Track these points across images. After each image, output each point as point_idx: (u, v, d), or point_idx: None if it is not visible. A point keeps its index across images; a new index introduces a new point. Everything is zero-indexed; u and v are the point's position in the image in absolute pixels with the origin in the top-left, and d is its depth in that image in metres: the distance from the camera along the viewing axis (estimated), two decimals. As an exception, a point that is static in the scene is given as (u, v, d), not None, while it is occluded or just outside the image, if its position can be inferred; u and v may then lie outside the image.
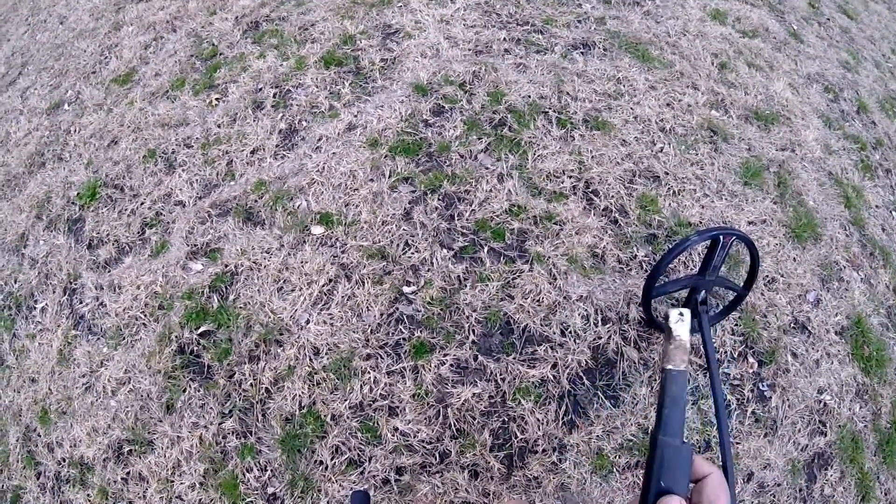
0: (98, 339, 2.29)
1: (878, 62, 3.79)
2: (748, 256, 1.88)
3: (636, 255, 2.22)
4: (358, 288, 2.12)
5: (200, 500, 1.94)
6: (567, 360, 1.99)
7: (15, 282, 2.60)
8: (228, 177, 2.51)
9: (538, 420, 1.91)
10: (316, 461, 1.92)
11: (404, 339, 2.04)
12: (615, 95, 2.67)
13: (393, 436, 1.91)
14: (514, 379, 1.96)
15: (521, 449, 1.90)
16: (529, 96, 2.60)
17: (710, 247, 1.78)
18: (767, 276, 2.30)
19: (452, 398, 1.94)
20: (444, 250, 2.18)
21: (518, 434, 1.91)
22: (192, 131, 2.70)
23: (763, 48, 3.23)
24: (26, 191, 2.89)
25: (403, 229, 2.23)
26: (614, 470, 1.89)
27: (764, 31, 3.35)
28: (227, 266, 2.24)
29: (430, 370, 1.97)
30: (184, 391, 2.07)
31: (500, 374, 1.97)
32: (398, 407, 1.95)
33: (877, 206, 2.83)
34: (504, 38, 2.87)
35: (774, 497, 1.98)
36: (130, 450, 2.07)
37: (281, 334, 2.08)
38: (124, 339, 2.23)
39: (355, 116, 2.56)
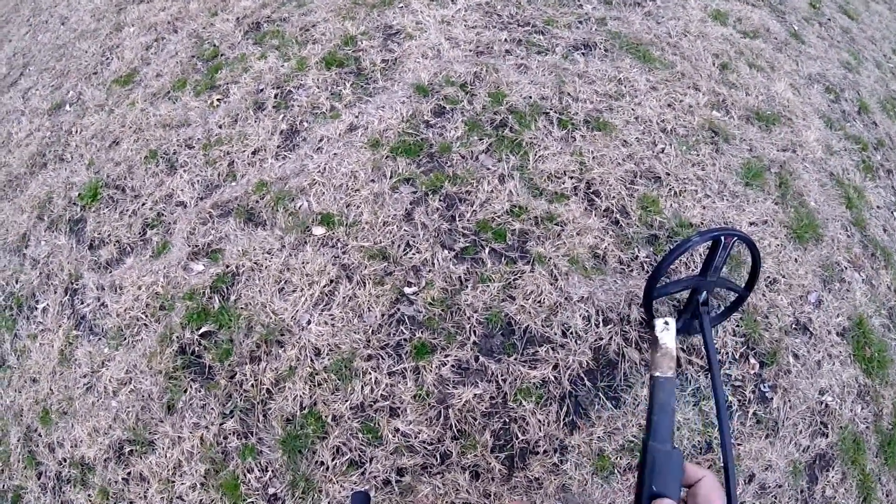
0: (99, 339, 2.29)
1: (879, 62, 3.79)
2: (749, 257, 1.87)
3: (637, 256, 2.21)
4: (359, 289, 2.12)
5: (201, 500, 1.95)
6: (568, 361, 1.99)
7: (16, 282, 2.61)
8: (230, 177, 2.52)
9: (539, 421, 1.91)
10: (317, 462, 1.92)
11: (405, 339, 2.04)
12: (616, 96, 2.67)
13: (394, 437, 1.91)
14: (516, 380, 1.96)
15: (522, 450, 1.90)
16: (530, 97, 2.60)
17: (712, 248, 1.78)
18: (769, 276, 2.30)
19: (453, 399, 1.94)
20: (446, 251, 2.18)
21: (519, 435, 1.91)
22: (193, 132, 2.71)
23: (764, 49, 3.22)
24: (28, 191, 2.89)
25: (404, 230, 2.23)
26: (615, 471, 1.89)
27: (765, 32, 3.35)
28: (228, 267, 2.24)
29: (431, 371, 1.97)
30: (185, 392, 2.07)
31: (502, 375, 1.97)
32: (399, 408, 1.95)
33: (878, 207, 2.83)
34: (505, 39, 2.87)
35: (776, 498, 1.98)
36: (131, 450, 2.07)
37: (282, 335, 2.08)
38: (125, 339, 2.24)
39: (356, 117, 2.57)
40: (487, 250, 2.18)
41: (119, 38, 3.47)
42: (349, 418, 1.94)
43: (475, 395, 1.94)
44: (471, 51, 2.81)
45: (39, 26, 4.18)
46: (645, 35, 3.00)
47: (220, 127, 2.67)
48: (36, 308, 2.48)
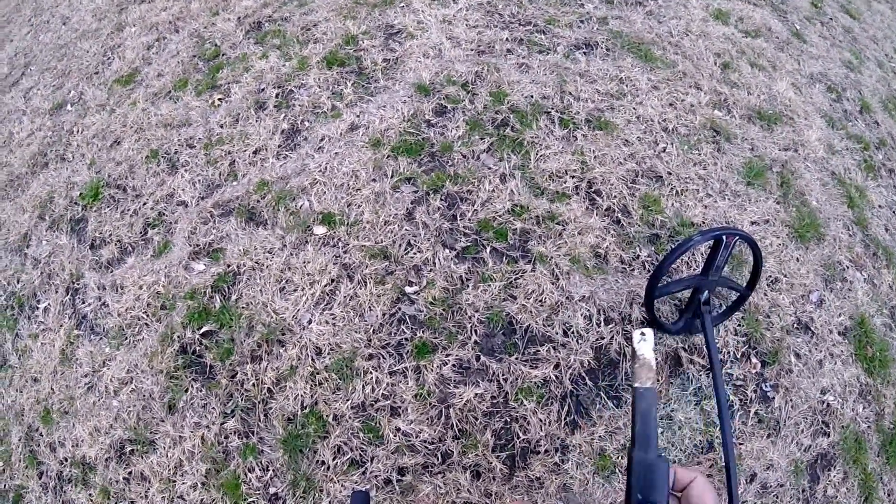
0: (100, 338, 2.29)
1: (881, 62, 3.78)
2: (751, 256, 1.87)
3: (639, 256, 2.21)
4: (360, 288, 2.12)
5: (202, 500, 1.95)
6: (569, 360, 1.99)
7: (18, 282, 2.61)
8: (231, 177, 2.52)
9: (540, 420, 1.91)
10: (318, 461, 1.92)
11: (406, 339, 2.04)
12: (618, 95, 2.67)
13: (395, 436, 1.91)
14: (517, 379, 1.96)
15: (523, 449, 1.90)
16: (532, 96, 2.60)
17: (713, 247, 1.78)
18: (770, 276, 2.29)
19: (454, 398, 1.94)
20: (447, 250, 2.18)
21: (520, 434, 1.90)
22: (194, 131, 2.71)
23: (766, 48, 3.22)
24: (29, 191, 2.89)
25: (406, 229, 2.23)
26: (617, 470, 1.89)
27: (766, 31, 3.34)
28: (229, 266, 2.24)
29: (432, 370, 1.97)
30: (186, 391, 2.07)
31: (503, 375, 1.97)
32: (400, 407, 1.95)
33: (880, 206, 2.83)
34: (506, 39, 2.87)
35: (777, 498, 1.97)
36: (132, 449, 2.07)
37: (283, 334, 2.08)
38: (126, 338, 2.24)
39: (358, 116, 2.56)
40: (489, 250, 2.18)
41: (120, 37, 3.47)
42: (350, 418, 1.94)
43: (476, 394, 1.94)
44: (472, 50, 2.81)
45: (41, 26, 4.18)
46: (646, 34, 3.00)
47: (222, 126, 2.67)
48: (37, 308, 2.49)
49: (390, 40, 2.88)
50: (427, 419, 1.93)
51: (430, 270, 2.14)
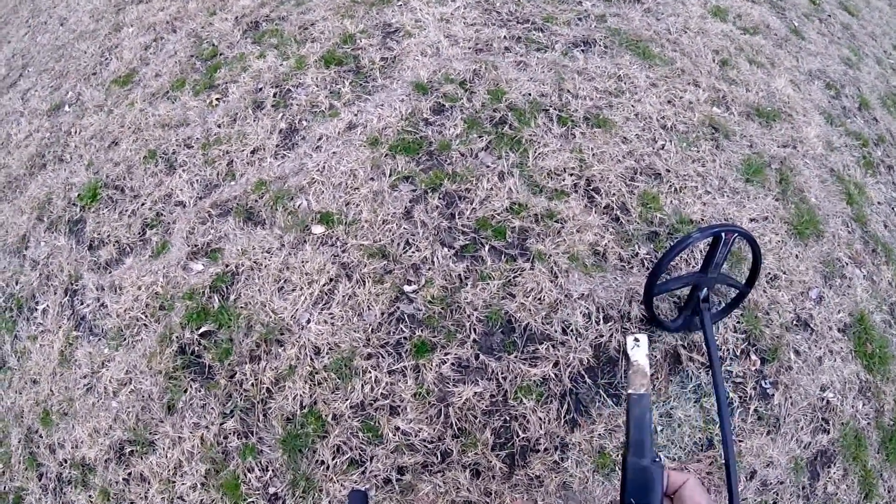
0: (99, 339, 2.29)
1: (879, 59, 3.78)
2: (750, 253, 1.87)
3: (638, 253, 2.21)
4: (359, 287, 2.12)
5: (202, 500, 1.94)
6: (569, 358, 1.99)
7: (16, 283, 2.61)
8: (229, 177, 2.51)
9: (540, 419, 1.91)
10: (317, 461, 1.91)
11: (405, 338, 2.03)
12: (616, 93, 2.66)
13: (394, 435, 1.91)
14: (516, 378, 1.96)
15: (522, 448, 1.90)
16: (530, 94, 2.59)
17: (712, 244, 1.78)
18: (770, 273, 2.29)
19: (454, 397, 1.93)
20: (445, 249, 2.17)
21: (520, 433, 1.90)
22: (192, 132, 2.70)
23: (764, 45, 3.22)
24: (27, 192, 2.89)
25: (404, 228, 2.22)
26: (616, 468, 1.89)
27: (765, 28, 3.34)
28: (227, 266, 2.23)
29: (431, 369, 1.97)
30: (185, 391, 2.07)
31: (502, 373, 1.96)
32: (399, 406, 1.94)
33: (879, 203, 2.82)
34: (504, 37, 2.86)
35: (777, 495, 1.97)
36: (132, 450, 2.07)
37: (282, 334, 2.08)
38: (125, 339, 2.23)
39: (355, 115, 2.56)
40: (487, 248, 2.17)
41: (118, 38, 3.47)
42: (349, 417, 1.94)
43: (475, 393, 1.93)
44: (470, 48, 2.80)
45: (38, 27, 4.18)
46: (644, 32, 2.99)
47: (219, 126, 2.67)
48: (36, 309, 2.48)
49: (388, 39, 2.87)
50: (426, 418, 1.92)
51: (429, 269, 2.14)
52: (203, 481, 1.96)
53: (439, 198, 2.29)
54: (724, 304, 2.10)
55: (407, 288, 2.11)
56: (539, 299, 2.06)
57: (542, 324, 2.03)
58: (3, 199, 2.97)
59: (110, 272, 2.41)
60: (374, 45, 2.85)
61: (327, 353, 2.02)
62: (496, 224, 2.22)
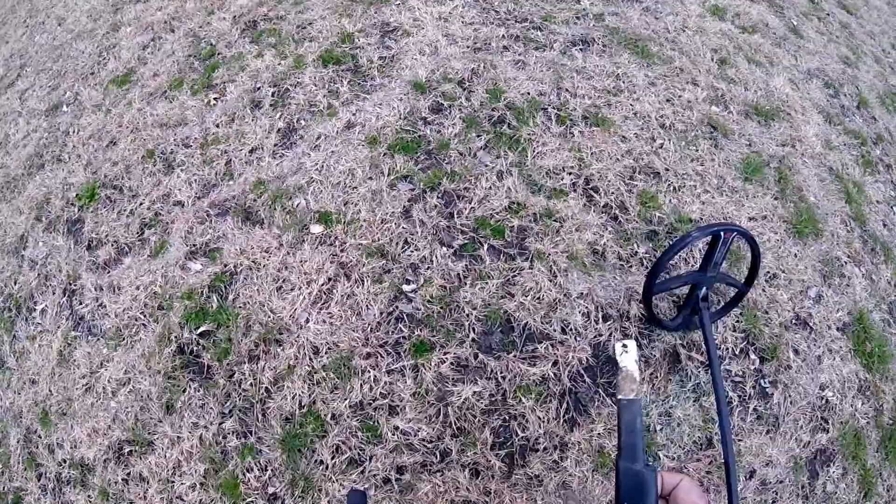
0: (98, 339, 2.29)
1: (878, 57, 3.78)
2: (749, 252, 1.87)
3: (637, 252, 2.21)
4: (357, 286, 2.11)
5: (201, 500, 1.94)
6: (568, 357, 1.98)
7: (15, 283, 2.60)
8: (227, 176, 2.51)
9: (539, 418, 1.91)
10: (316, 461, 1.91)
11: (404, 337, 2.03)
12: (614, 92, 2.66)
13: (393, 435, 1.91)
14: (515, 377, 1.96)
15: (522, 447, 1.90)
16: (528, 93, 2.59)
17: (711, 243, 1.78)
18: (768, 272, 2.29)
19: (453, 396, 1.93)
20: (444, 248, 2.17)
21: (519, 432, 1.90)
22: (190, 131, 2.70)
23: (763, 44, 3.21)
24: (25, 192, 2.88)
25: (403, 227, 2.22)
26: (613, 466, 1.88)
27: (763, 27, 3.34)
28: (226, 266, 2.23)
29: (430, 369, 1.97)
30: (184, 391, 2.07)
31: (501, 373, 1.96)
32: (398, 406, 1.94)
33: (878, 202, 2.82)
34: (503, 35, 2.86)
35: (776, 494, 1.97)
36: (131, 450, 2.07)
37: (280, 334, 2.07)
38: (124, 339, 2.23)
39: (354, 115, 2.56)
40: (486, 247, 2.17)
41: (116, 38, 3.46)
42: (348, 417, 1.94)
43: (474, 392, 1.93)
44: (468, 47, 2.80)
45: (36, 27, 4.17)
46: (643, 30, 2.99)
47: (218, 126, 2.67)
48: (34, 309, 2.48)
49: (386, 38, 2.87)
50: (425, 417, 1.92)
51: (428, 268, 2.13)
52: (202, 481, 1.96)
53: (438, 197, 2.29)
54: (723, 303, 2.10)
55: (406, 287, 2.11)
56: (538, 298, 2.06)
57: (541, 323, 2.03)
58: (2, 200, 2.97)
59: (109, 272, 2.41)
60: (372, 44, 2.84)
61: (326, 353, 2.02)
62: (495, 223, 2.22)
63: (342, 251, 2.19)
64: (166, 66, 3.06)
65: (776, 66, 3.11)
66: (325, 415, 1.95)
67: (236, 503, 1.91)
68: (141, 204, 2.54)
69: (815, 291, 2.33)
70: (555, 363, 1.98)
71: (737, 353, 2.11)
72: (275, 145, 2.55)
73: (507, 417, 1.92)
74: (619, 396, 0.81)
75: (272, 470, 1.94)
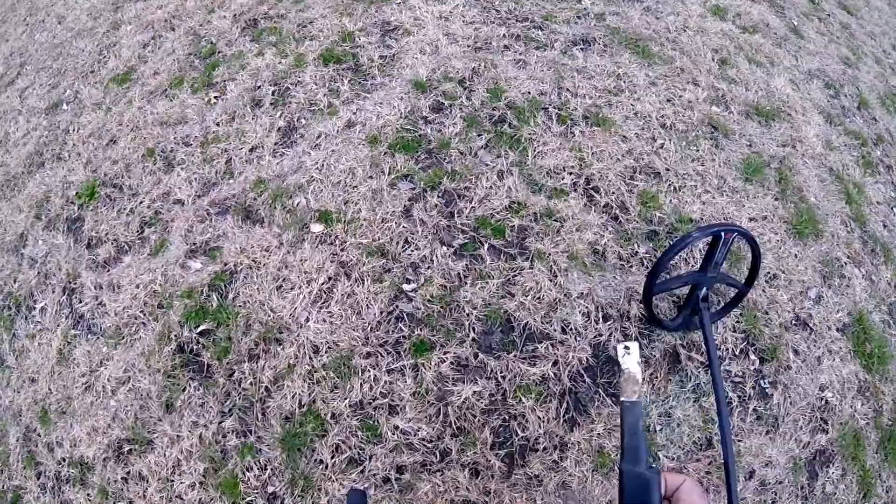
0: (97, 338, 2.28)
1: (878, 58, 3.78)
2: (749, 253, 1.87)
3: (637, 252, 2.21)
4: (357, 286, 2.11)
5: (200, 499, 1.94)
6: (568, 357, 1.98)
7: (14, 282, 2.60)
8: (227, 175, 2.51)
9: (539, 418, 1.91)
10: (316, 460, 1.91)
11: (404, 336, 2.03)
12: (615, 91, 2.66)
13: (393, 434, 1.91)
14: (515, 377, 1.96)
15: (521, 447, 1.90)
16: (529, 93, 2.59)
17: (712, 243, 1.78)
18: (769, 272, 2.29)
19: (453, 396, 1.93)
20: (444, 248, 2.17)
21: (519, 432, 1.90)
22: (190, 130, 2.69)
23: (763, 44, 3.21)
24: (25, 191, 2.88)
25: (403, 227, 2.22)
26: (616, 468, 1.89)
27: (764, 27, 3.34)
28: (226, 264, 2.23)
29: (430, 368, 1.97)
30: (183, 390, 2.07)
31: (501, 372, 1.96)
32: (398, 405, 1.94)
33: (878, 203, 2.82)
34: (503, 35, 2.86)
35: (776, 495, 1.97)
36: (130, 449, 2.07)
37: (280, 333, 2.07)
38: (124, 338, 2.23)
39: (354, 114, 2.56)
40: (486, 247, 2.17)
41: (116, 36, 3.45)
42: (348, 416, 1.94)
43: (474, 392, 1.93)
44: (469, 46, 2.80)
45: (36, 25, 4.16)
46: (644, 30, 2.99)
47: (218, 124, 2.66)
48: (34, 308, 2.48)
49: (387, 37, 2.87)
50: (425, 417, 1.92)
51: (428, 268, 2.13)
52: (202, 480, 1.96)
53: (438, 196, 2.29)
54: (723, 304, 2.10)
55: (406, 287, 2.11)
56: (538, 298, 2.06)
57: (542, 323, 2.03)
58: (2, 198, 2.96)
59: (109, 271, 2.41)
60: (372, 43, 2.84)
61: (326, 352, 2.02)
62: (495, 223, 2.22)
63: (342, 250, 2.19)
64: (167, 65, 3.06)
65: (777, 67, 3.11)
66: (324, 414, 1.95)
67: (236, 502, 1.91)
68: (141, 202, 2.54)
69: (815, 292, 2.33)
70: (555, 363, 1.98)
71: (737, 353, 2.11)
72: (275, 144, 2.54)
73: (507, 417, 1.92)
74: (622, 398, 0.81)
75: (272, 469, 1.94)
